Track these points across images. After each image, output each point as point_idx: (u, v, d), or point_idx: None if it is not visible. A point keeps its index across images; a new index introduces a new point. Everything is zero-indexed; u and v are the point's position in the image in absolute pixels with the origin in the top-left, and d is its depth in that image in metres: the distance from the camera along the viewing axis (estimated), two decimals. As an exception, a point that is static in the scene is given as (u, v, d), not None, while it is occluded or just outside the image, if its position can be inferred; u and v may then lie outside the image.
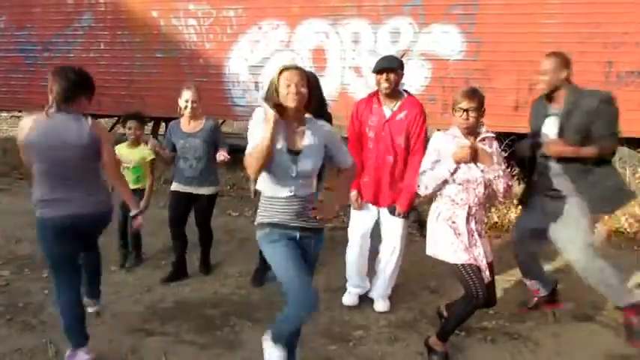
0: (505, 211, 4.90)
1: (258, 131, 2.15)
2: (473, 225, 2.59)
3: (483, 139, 2.58)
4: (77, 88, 2.45)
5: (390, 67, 2.99)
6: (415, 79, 5.29)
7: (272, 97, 2.19)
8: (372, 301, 3.32)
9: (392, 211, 3.11)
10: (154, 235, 4.15)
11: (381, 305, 3.27)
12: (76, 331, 2.59)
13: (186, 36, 6.05)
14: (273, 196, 2.28)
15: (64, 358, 2.69)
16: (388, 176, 3.08)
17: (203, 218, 3.73)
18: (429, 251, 2.70)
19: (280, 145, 2.22)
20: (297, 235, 2.30)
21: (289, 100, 2.18)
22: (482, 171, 2.52)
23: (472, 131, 2.55)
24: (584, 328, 3.09)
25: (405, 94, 3.12)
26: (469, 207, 2.56)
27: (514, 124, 5.01)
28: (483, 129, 2.61)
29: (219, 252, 4.12)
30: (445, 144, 2.58)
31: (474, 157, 2.48)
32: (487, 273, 2.60)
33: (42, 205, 2.45)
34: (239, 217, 5.09)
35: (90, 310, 3.02)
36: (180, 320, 3.15)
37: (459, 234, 2.56)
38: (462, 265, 2.56)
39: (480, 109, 2.49)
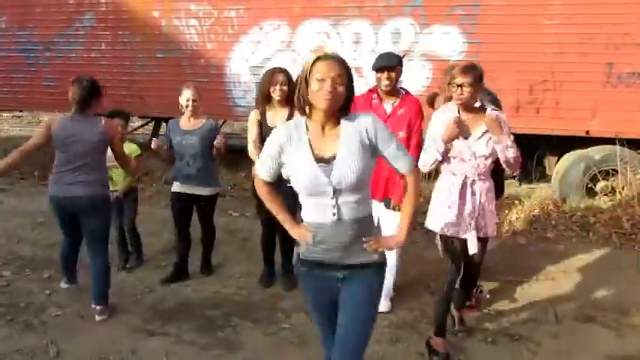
0: (506, 212, 4.90)
1: (267, 156, 1.84)
2: (469, 196, 2.65)
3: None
4: (91, 96, 3.01)
5: (391, 65, 3.03)
6: (416, 79, 5.28)
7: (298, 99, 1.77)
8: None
9: (387, 205, 3.14)
10: (154, 235, 4.15)
11: (382, 305, 3.27)
12: (64, 267, 3.41)
13: (188, 36, 6.04)
14: (313, 222, 1.81)
15: (65, 358, 2.69)
16: (388, 171, 3.10)
17: (205, 218, 3.74)
18: (426, 223, 2.82)
19: (303, 152, 1.78)
20: (340, 275, 1.85)
21: (320, 100, 1.71)
22: (480, 139, 2.58)
23: (467, 106, 2.61)
24: (585, 329, 3.09)
25: (403, 92, 3.18)
26: (465, 177, 2.64)
27: (515, 125, 4.97)
28: (490, 107, 2.68)
29: (220, 252, 4.12)
30: (443, 119, 2.67)
31: (462, 130, 2.55)
32: (474, 246, 2.67)
33: (50, 183, 3.06)
34: (240, 217, 5.09)
35: (97, 318, 3.11)
36: (181, 321, 3.15)
37: (451, 205, 2.65)
38: (445, 237, 2.71)
39: (475, 85, 2.55)
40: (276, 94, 3.31)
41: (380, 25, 5.38)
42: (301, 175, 1.76)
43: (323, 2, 5.52)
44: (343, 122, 1.79)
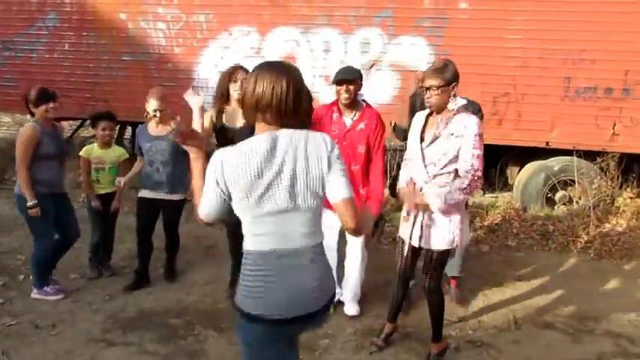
0: (470, 220, 5.00)
1: None
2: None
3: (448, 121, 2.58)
4: (29, 105, 3.29)
5: (350, 78, 3.04)
6: (385, 89, 5.37)
7: None
8: (340, 307, 3.32)
9: None
10: (117, 241, 4.03)
11: (351, 309, 3.28)
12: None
13: (155, 40, 5.94)
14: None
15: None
16: (365, 189, 3.14)
17: (171, 224, 3.66)
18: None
19: None
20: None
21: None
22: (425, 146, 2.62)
23: (439, 109, 2.62)
24: (544, 334, 3.18)
25: (364, 104, 3.18)
26: (411, 179, 2.69)
27: (479, 136, 5.14)
28: (460, 101, 2.65)
29: (185, 259, 4.04)
30: (417, 120, 2.74)
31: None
32: (405, 248, 2.76)
33: None
34: (206, 224, 5.00)
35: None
36: (142, 330, 3.07)
37: (403, 209, 2.76)
38: (399, 240, 2.82)
39: (444, 86, 2.55)
40: (236, 92, 3.22)
41: (349, 34, 5.44)
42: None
43: (293, 10, 5.55)
44: None
